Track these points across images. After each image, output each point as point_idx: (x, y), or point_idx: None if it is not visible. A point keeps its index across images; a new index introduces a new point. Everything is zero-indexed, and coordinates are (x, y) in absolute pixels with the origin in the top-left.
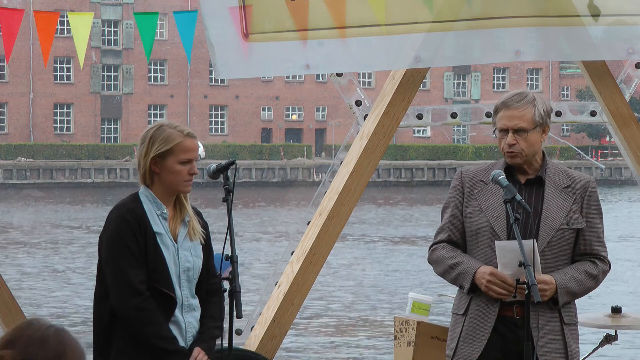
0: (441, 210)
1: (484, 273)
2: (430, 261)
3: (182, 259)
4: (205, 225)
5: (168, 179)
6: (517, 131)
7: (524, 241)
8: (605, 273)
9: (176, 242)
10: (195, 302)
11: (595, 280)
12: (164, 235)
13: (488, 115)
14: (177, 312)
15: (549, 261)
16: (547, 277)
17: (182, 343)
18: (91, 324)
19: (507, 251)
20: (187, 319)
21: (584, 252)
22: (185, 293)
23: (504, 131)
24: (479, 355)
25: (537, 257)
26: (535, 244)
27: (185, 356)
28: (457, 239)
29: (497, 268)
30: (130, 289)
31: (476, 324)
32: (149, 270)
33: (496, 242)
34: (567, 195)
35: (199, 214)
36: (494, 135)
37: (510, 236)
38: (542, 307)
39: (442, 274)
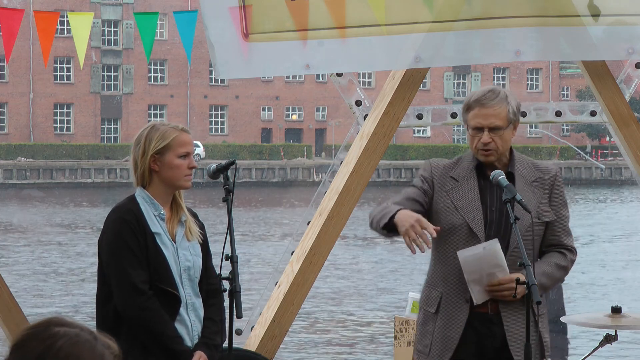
0: (405, 189)
1: (410, 216)
2: (370, 217)
3: (182, 258)
4: (202, 226)
5: (169, 175)
6: (492, 129)
7: (487, 243)
8: (573, 262)
9: (174, 242)
10: (199, 301)
11: (565, 270)
12: (162, 235)
13: None
14: (182, 310)
15: (520, 257)
16: (515, 276)
17: (188, 342)
18: (92, 326)
19: (471, 261)
20: (192, 318)
21: (552, 243)
22: (188, 292)
23: (478, 129)
24: (451, 355)
25: (503, 256)
26: (498, 244)
27: (191, 356)
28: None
29: (460, 268)
30: (133, 289)
31: (447, 323)
32: (151, 270)
33: (458, 253)
34: (536, 189)
35: (195, 215)
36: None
37: (487, 236)
38: (515, 303)
39: (371, 222)
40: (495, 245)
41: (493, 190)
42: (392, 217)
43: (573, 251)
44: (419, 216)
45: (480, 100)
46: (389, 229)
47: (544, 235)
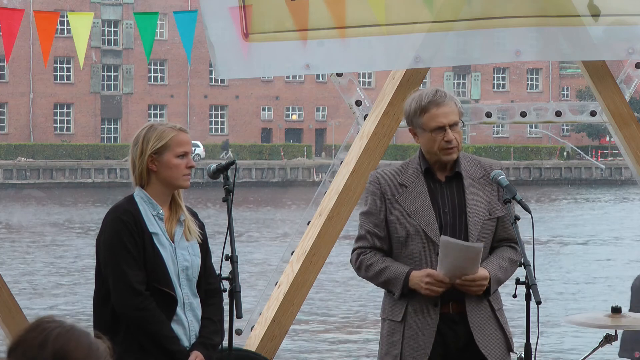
0: (362, 215)
1: (420, 277)
2: (354, 265)
3: (180, 258)
4: (201, 226)
5: (167, 175)
6: (452, 126)
7: (473, 244)
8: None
9: (173, 242)
10: (197, 301)
11: (517, 264)
12: (160, 235)
13: (488, 115)
14: (179, 310)
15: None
16: (484, 273)
17: (185, 342)
18: (90, 325)
19: (452, 245)
20: (190, 318)
21: (502, 238)
22: (185, 292)
23: (439, 129)
24: None
25: (480, 259)
26: (481, 252)
27: (188, 356)
28: (383, 246)
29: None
30: (130, 290)
31: (417, 331)
32: (148, 270)
33: (442, 237)
34: (484, 185)
35: (195, 215)
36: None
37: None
38: (472, 300)
39: (370, 279)
40: (480, 247)
41: (444, 192)
42: (405, 284)
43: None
44: (428, 271)
45: (435, 100)
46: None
47: (495, 230)
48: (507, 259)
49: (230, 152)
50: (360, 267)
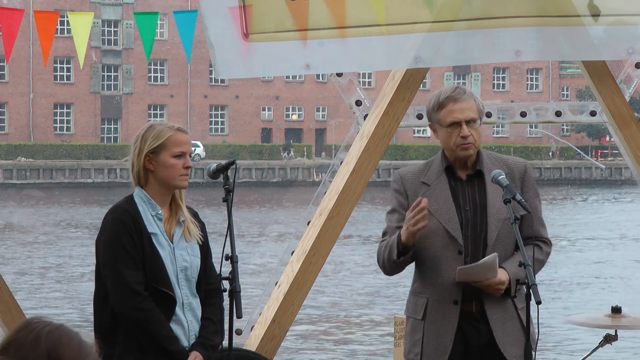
0: (387, 214)
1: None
2: (377, 261)
3: (179, 258)
4: (202, 227)
5: (164, 175)
6: (469, 122)
7: (487, 258)
8: (549, 255)
9: (172, 242)
10: (196, 301)
11: (542, 263)
12: (159, 235)
13: (488, 115)
14: (179, 311)
15: (500, 252)
16: (503, 277)
17: (185, 342)
18: (90, 325)
19: (468, 273)
20: (189, 318)
21: (528, 236)
22: (184, 292)
23: (455, 124)
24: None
25: (497, 269)
26: (497, 259)
27: (187, 356)
28: None
29: (442, 272)
30: (128, 290)
31: (437, 329)
32: (147, 271)
33: (458, 268)
34: None
35: (195, 215)
36: (441, 131)
37: (464, 237)
38: (493, 299)
39: (385, 263)
40: (494, 257)
41: (465, 190)
42: (399, 240)
43: (548, 243)
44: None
45: (452, 96)
46: (400, 252)
47: (520, 229)
48: (531, 258)
49: (292, 152)
50: (379, 259)
